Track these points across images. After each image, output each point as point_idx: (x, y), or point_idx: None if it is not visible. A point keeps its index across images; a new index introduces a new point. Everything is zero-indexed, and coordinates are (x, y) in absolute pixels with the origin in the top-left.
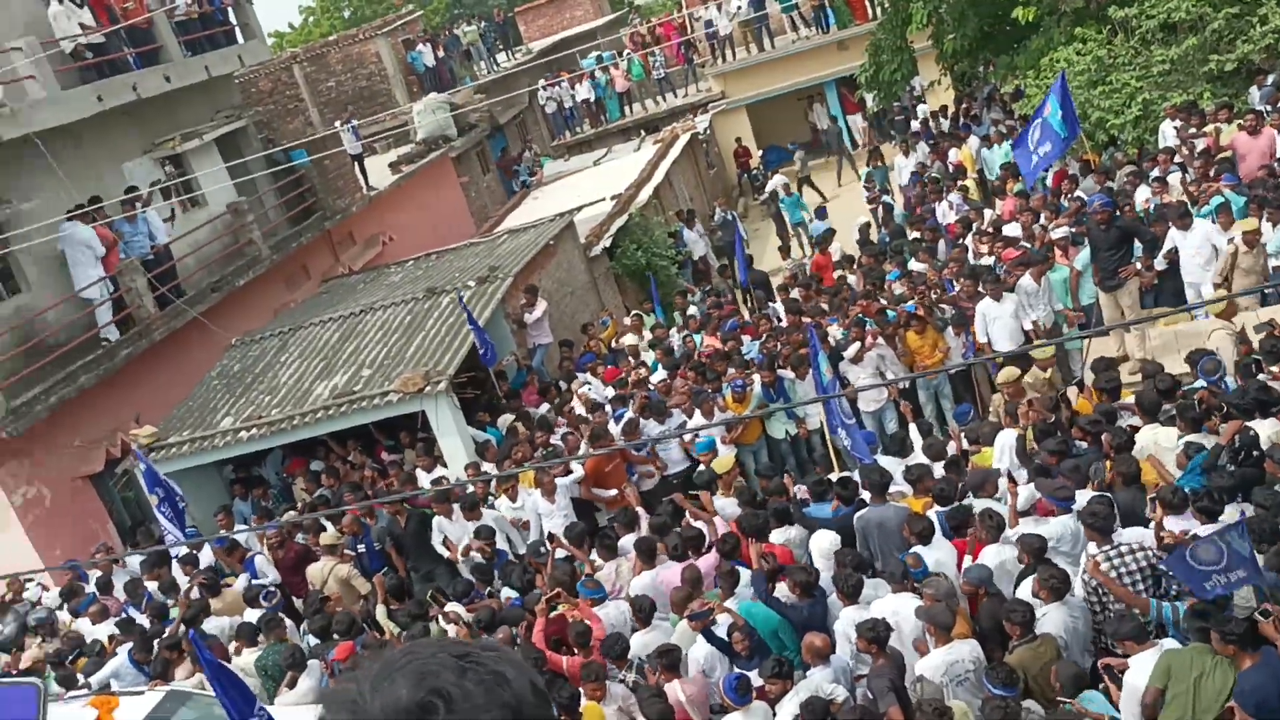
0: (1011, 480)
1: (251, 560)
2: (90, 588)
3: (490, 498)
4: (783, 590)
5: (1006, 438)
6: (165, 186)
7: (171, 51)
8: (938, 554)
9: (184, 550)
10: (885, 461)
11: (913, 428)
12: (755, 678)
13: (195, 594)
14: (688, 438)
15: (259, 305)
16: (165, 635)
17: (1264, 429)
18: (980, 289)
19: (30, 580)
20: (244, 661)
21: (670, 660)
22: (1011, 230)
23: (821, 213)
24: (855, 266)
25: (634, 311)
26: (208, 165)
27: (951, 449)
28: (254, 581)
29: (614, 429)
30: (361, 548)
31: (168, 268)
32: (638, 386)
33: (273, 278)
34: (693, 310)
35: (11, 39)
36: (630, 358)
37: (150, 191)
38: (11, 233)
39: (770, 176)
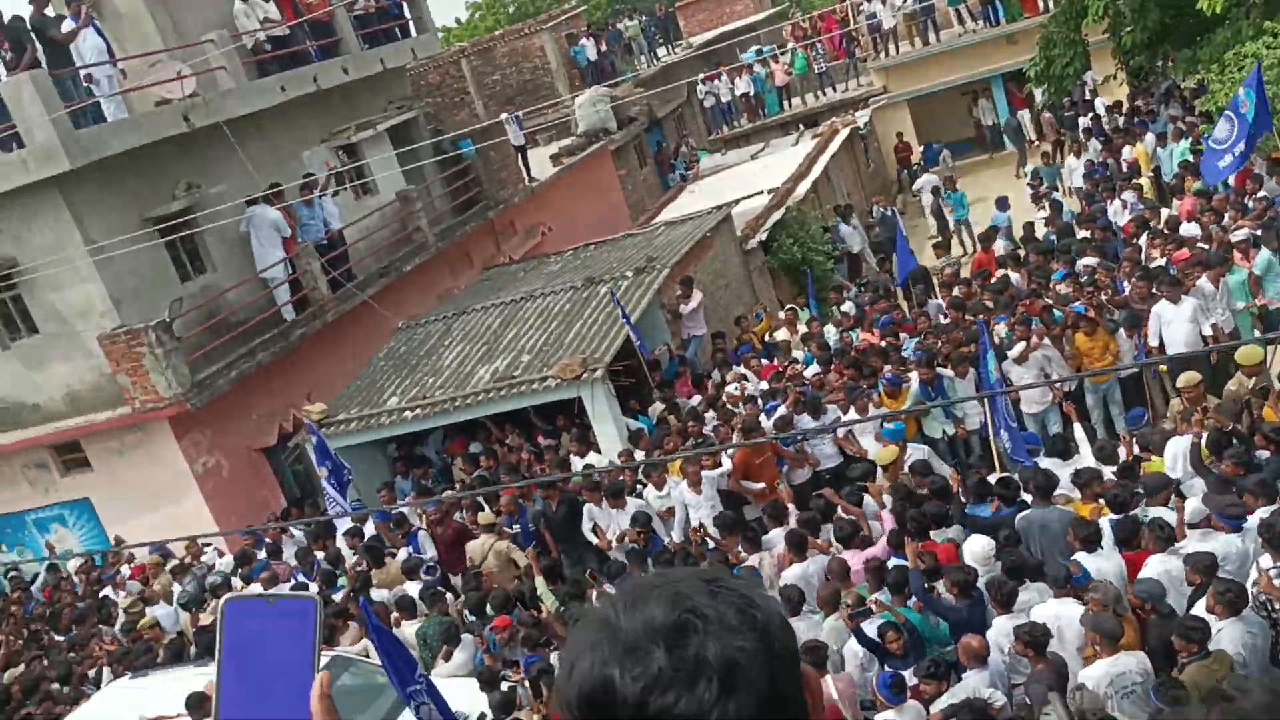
0: (1178, 494)
1: (415, 535)
2: (262, 554)
3: (639, 485)
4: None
5: (1179, 445)
6: (339, 174)
7: (350, 44)
8: (1102, 563)
9: (349, 523)
10: (1047, 465)
11: (1077, 429)
12: (910, 676)
13: (361, 565)
14: (842, 433)
15: (424, 290)
16: (333, 603)
17: None
18: (1155, 290)
19: (208, 545)
20: (404, 632)
21: (817, 657)
22: (1189, 230)
23: (1003, 203)
24: (1020, 264)
25: (788, 306)
26: (379, 155)
27: (1122, 454)
28: (416, 555)
29: (765, 423)
30: (516, 528)
31: (340, 252)
32: (792, 381)
33: (438, 264)
34: (848, 306)
35: (205, 33)
36: (784, 353)
37: (327, 177)
38: (200, 214)
39: (925, 173)
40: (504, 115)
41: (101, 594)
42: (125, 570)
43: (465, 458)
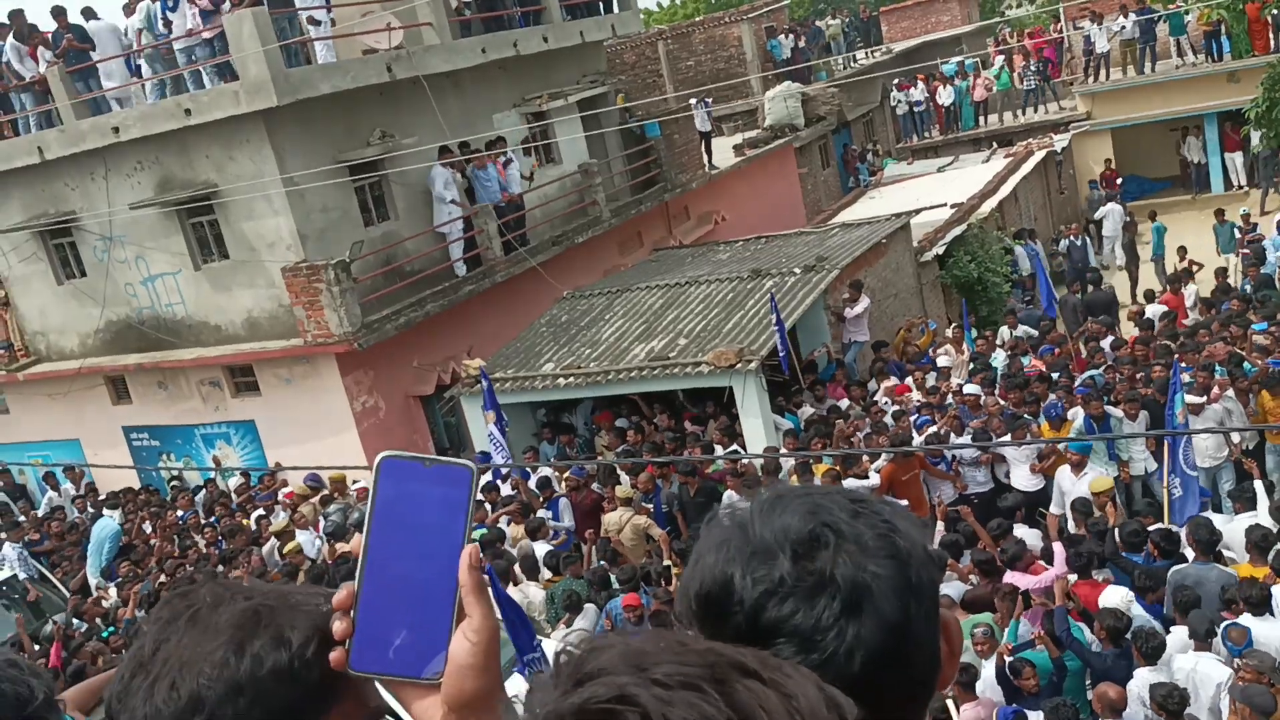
0: None
1: (556, 501)
2: None
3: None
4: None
5: None
6: (526, 140)
7: (553, 14)
8: (1266, 628)
9: (487, 478)
10: (1217, 521)
11: (1257, 485)
12: (1036, 717)
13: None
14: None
15: (592, 263)
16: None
17: None
18: None
19: (356, 481)
20: (525, 591)
21: (967, 678)
22: None
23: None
24: (1212, 311)
25: (955, 324)
26: (567, 125)
27: None
28: (552, 522)
29: (916, 439)
30: (650, 506)
31: (518, 216)
32: (952, 396)
33: (609, 240)
34: (1022, 330)
35: None
36: (944, 375)
37: (516, 150)
38: (390, 160)
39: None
40: (693, 100)
41: (255, 514)
42: (282, 494)
43: (611, 431)
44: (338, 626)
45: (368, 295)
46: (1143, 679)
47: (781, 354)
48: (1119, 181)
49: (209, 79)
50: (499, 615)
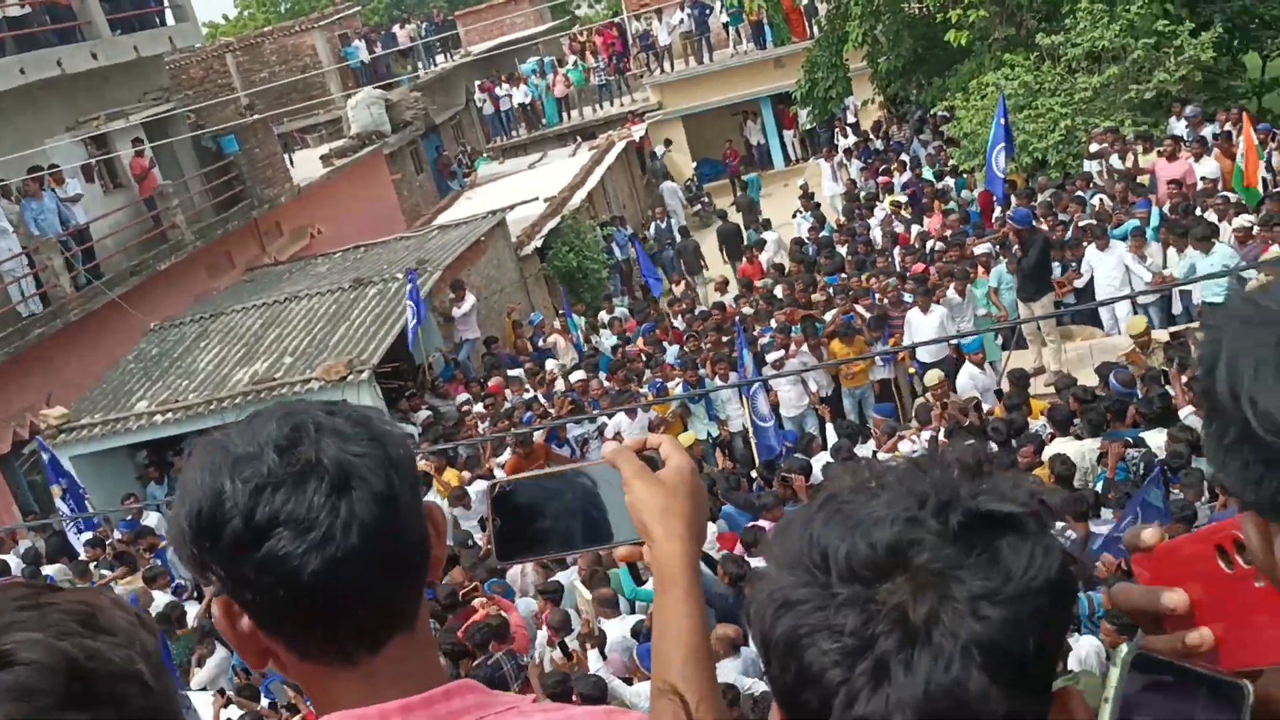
0: None
1: (163, 552)
2: None
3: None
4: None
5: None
6: (88, 165)
7: (100, 28)
8: None
9: (89, 535)
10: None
11: (830, 429)
12: None
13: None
14: (611, 433)
15: (180, 291)
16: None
17: (1155, 440)
18: (905, 297)
19: None
20: None
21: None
22: (937, 247)
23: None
24: (784, 275)
25: (560, 313)
26: (132, 147)
27: (872, 444)
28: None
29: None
30: None
31: (86, 248)
32: (552, 386)
33: (195, 264)
34: (620, 312)
35: None
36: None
37: (80, 167)
38: None
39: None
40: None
41: None
42: None
43: None
44: None
45: None
46: None
47: (415, 322)
48: (694, 167)
49: None
50: None
